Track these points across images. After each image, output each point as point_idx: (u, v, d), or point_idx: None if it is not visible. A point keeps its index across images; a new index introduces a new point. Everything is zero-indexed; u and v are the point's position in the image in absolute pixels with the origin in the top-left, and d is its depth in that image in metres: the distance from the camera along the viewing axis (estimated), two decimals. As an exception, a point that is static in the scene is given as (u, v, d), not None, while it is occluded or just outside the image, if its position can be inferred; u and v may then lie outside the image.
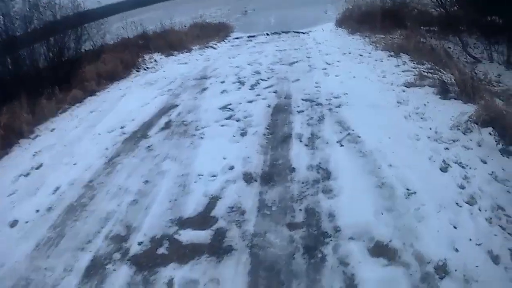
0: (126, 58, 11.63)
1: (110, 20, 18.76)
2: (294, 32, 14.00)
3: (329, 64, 8.02)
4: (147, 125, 5.82)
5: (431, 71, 7.26)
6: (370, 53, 8.72)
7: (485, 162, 3.97)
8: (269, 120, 5.49)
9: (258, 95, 6.56)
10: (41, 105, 7.63)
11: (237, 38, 15.35)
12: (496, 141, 4.28)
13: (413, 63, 7.81)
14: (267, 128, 5.24)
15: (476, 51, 10.22)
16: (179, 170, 4.38)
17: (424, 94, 5.88)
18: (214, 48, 13.42)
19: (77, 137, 5.73)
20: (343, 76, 6.99)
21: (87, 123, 6.35)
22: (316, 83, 6.78)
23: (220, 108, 6.20)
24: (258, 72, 7.95)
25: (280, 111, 5.75)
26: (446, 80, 6.18)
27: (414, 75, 6.83)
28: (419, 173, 3.82)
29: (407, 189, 3.62)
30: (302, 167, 4.17)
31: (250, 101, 6.30)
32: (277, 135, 5.01)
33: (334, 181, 3.84)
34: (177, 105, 6.71)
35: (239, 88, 7.10)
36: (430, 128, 4.78)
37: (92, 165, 4.73)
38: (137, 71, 10.81)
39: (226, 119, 5.76)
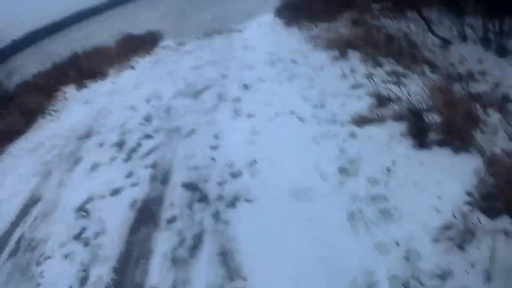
0: (32, 102, 9.27)
1: (22, 55, 15.99)
2: (228, 31, 11.46)
3: (247, 88, 5.53)
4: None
5: (393, 80, 4.77)
6: (306, 57, 6.20)
7: None
8: (122, 247, 3.24)
9: (129, 175, 4.22)
10: None
11: (164, 47, 12.73)
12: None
13: (366, 67, 5.26)
14: (114, 270, 3.01)
15: (442, 28, 7.75)
16: None
17: (387, 141, 3.44)
18: (134, 69, 10.86)
19: None
20: (260, 114, 4.53)
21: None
22: (215, 137, 4.31)
23: (76, 210, 4.04)
24: (149, 119, 5.59)
25: (144, 222, 3.46)
26: (419, 105, 3.67)
27: (369, 96, 4.32)
28: None
29: None
30: None
31: (114, 193, 4.00)
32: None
33: None
34: (39, 200, 4.69)
35: (114, 158, 4.78)
36: (407, 260, 2.32)
37: None
38: (43, 117, 8.52)
39: (76, 238, 3.60)
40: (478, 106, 3.74)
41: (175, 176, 3.86)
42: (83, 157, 5.37)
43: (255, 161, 3.63)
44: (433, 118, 3.51)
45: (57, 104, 9.46)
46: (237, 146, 3.97)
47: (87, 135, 6.19)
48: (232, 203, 3.25)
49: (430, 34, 7.66)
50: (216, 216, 3.16)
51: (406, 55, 5.61)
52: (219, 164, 3.78)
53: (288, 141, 3.78)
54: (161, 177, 3.94)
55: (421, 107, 3.74)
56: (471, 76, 5.64)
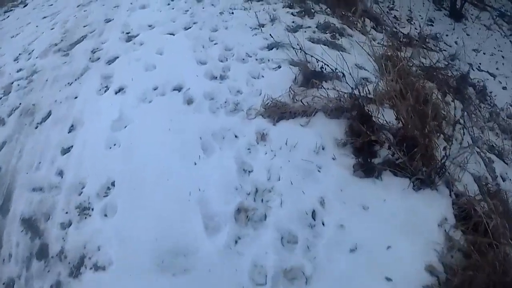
0: None
1: None
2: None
3: (130, 39, 3.91)
4: None
5: (327, 38, 3.48)
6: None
7: None
8: None
9: None
10: None
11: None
12: None
13: (292, 14, 3.89)
14: None
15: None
16: None
17: (314, 155, 2.21)
18: (25, 4, 8.44)
19: None
20: (133, 88, 3.10)
21: None
22: (71, 129, 2.90)
23: None
24: (9, 90, 3.83)
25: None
26: (363, 92, 2.43)
27: (291, 66, 2.99)
28: None
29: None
30: None
31: None
32: None
33: None
34: None
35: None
36: None
37: None
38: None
39: None
40: (438, 95, 2.57)
41: (16, 201, 2.42)
42: None
43: (113, 184, 2.23)
44: (385, 118, 2.25)
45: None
46: (93, 150, 2.53)
47: None
48: (76, 269, 1.93)
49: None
50: (56, 291, 1.81)
51: (343, 3, 4.27)
52: (66, 185, 2.35)
53: (163, 146, 2.39)
54: (2, 202, 2.47)
55: (367, 95, 2.47)
56: (423, 41, 4.49)
